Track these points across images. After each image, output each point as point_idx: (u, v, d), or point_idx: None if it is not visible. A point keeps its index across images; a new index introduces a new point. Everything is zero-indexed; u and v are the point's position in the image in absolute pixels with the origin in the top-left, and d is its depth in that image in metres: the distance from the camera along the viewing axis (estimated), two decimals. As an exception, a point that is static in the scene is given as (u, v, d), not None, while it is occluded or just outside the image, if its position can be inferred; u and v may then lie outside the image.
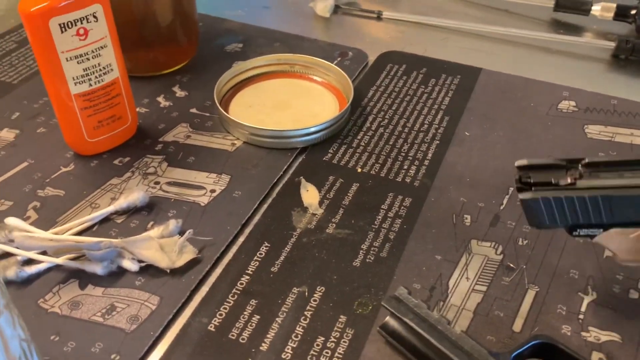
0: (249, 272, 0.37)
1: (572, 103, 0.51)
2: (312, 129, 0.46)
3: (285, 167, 0.44)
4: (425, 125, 0.49)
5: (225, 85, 0.51)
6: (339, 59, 0.57)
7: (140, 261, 0.36)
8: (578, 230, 0.31)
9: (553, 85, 0.53)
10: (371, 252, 0.38)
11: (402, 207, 0.41)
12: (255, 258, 0.38)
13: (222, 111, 0.47)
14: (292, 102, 0.50)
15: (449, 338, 0.29)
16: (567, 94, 0.52)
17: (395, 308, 0.31)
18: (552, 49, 0.60)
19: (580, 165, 0.31)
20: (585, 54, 0.59)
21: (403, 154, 0.46)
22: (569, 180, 0.30)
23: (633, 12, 0.61)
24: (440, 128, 0.48)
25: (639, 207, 0.29)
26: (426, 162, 0.45)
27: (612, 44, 0.58)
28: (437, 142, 0.47)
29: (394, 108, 0.50)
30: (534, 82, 0.54)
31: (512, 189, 0.43)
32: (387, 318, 0.32)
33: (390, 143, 0.47)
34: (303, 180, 0.43)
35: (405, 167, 0.45)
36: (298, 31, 0.61)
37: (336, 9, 0.65)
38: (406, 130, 0.48)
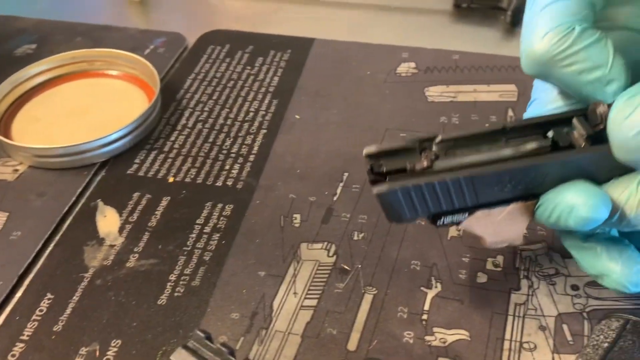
0: (25, 337, 0.29)
1: (412, 65, 0.47)
2: (112, 137, 0.38)
3: (80, 190, 0.37)
4: (251, 113, 0.42)
5: (5, 98, 0.42)
6: (152, 47, 0.49)
7: None
8: (442, 218, 0.27)
9: (392, 47, 0.48)
10: (181, 282, 0.31)
11: (222, 218, 0.35)
12: (34, 317, 0.30)
13: (-6, 133, 0.38)
14: (91, 107, 0.42)
15: None
16: (406, 55, 0.48)
17: None
18: (391, 7, 0.55)
19: (434, 143, 0.26)
20: (427, 7, 0.55)
21: (225, 152, 0.39)
22: (425, 164, 0.25)
23: (470, -43, 0.57)
24: (268, 114, 0.42)
25: (501, 183, 0.25)
26: (251, 158, 0.39)
27: (451, -6, 0.54)
28: (265, 131, 0.41)
29: (214, 98, 0.44)
30: (372, 46, 0.49)
31: (346, 174, 0.37)
32: (188, 372, 0.26)
33: (210, 140, 0.40)
34: (100, 204, 0.36)
35: (227, 167, 0.38)
36: (106, 20, 0.53)
37: (152, -11, 0.57)
38: (229, 122, 0.42)
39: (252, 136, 0.40)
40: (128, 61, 0.44)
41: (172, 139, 0.40)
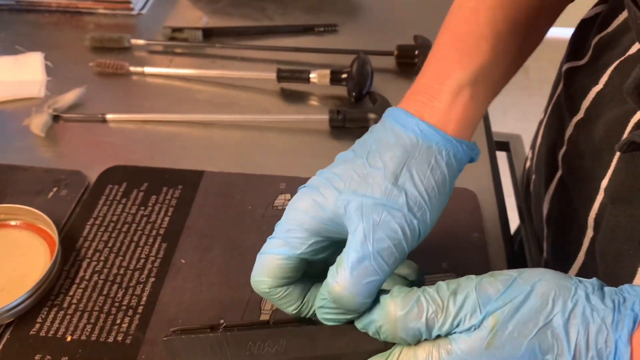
0: None
1: (288, 196, 0.54)
2: (19, 300, 0.44)
3: (-13, 356, 0.42)
4: (142, 260, 0.48)
5: None
6: (55, 189, 0.54)
7: None
8: None
9: (271, 178, 0.55)
10: None
11: (112, 376, 0.41)
12: None
13: None
14: (-3, 265, 0.48)
15: None
16: (284, 185, 0.55)
17: None
18: (277, 128, 0.62)
19: (221, 328, 0.34)
20: (309, 128, 0.62)
21: (117, 305, 0.45)
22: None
23: (344, 76, 0.65)
24: (157, 260, 0.48)
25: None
26: (140, 310, 0.45)
27: (327, 117, 0.61)
28: (153, 279, 0.47)
29: (110, 245, 0.49)
30: (254, 177, 0.55)
31: (222, 321, 0.44)
32: None
33: (104, 293, 0.46)
34: (5, 370, 0.41)
35: (119, 321, 0.44)
36: (13, 158, 0.58)
37: (57, 119, 0.62)
38: (122, 272, 0.48)
39: (141, 286, 0.46)
40: (30, 214, 0.50)
41: (71, 293, 0.46)
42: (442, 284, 0.31)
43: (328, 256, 0.36)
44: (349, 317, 0.33)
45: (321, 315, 0.34)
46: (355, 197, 0.33)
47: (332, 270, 0.32)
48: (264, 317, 0.44)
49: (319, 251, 0.35)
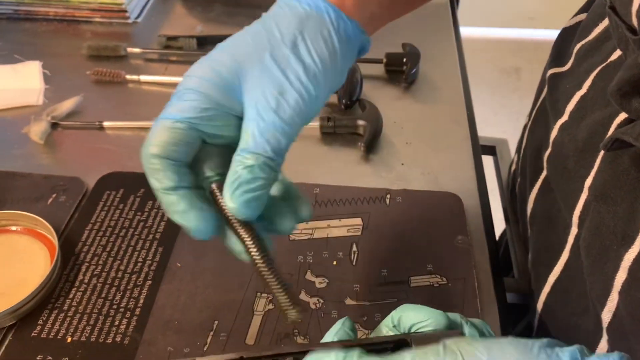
0: None
1: (280, 201, 0.56)
2: (21, 303, 0.45)
3: (-10, 357, 0.44)
4: (139, 264, 0.50)
5: None
6: (54, 195, 0.56)
7: None
8: None
9: (264, 184, 0.57)
10: None
11: (110, 376, 0.43)
12: None
13: None
14: (-1, 269, 0.49)
15: None
16: (276, 191, 0.57)
17: None
18: (269, 134, 0.64)
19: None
20: (300, 134, 0.63)
21: (115, 307, 0.47)
22: None
23: (335, 84, 0.67)
24: (154, 264, 0.50)
25: None
26: (137, 311, 0.47)
27: (318, 124, 0.63)
28: (150, 282, 0.49)
29: (108, 249, 0.51)
30: (247, 183, 0.57)
31: (216, 322, 0.46)
32: None
33: (103, 296, 0.48)
34: (8, 370, 0.43)
35: (117, 322, 0.46)
36: (12, 165, 0.59)
37: (55, 126, 0.64)
38: (119, 275, 0.49)
39: (138, 288, 0.48)
40: (30, 220, 0.51)
41: (71, 296, 0.48)
42: (406, 357, 0.29)
43: (218, 149, 0.36)
44: (263, 183, 0.34)
45: (237, 193, 0.34)
46: (253, 65, 0.34)
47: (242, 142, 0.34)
48: (257, 318, 0.46)
49: (212, 119, 0.34)
